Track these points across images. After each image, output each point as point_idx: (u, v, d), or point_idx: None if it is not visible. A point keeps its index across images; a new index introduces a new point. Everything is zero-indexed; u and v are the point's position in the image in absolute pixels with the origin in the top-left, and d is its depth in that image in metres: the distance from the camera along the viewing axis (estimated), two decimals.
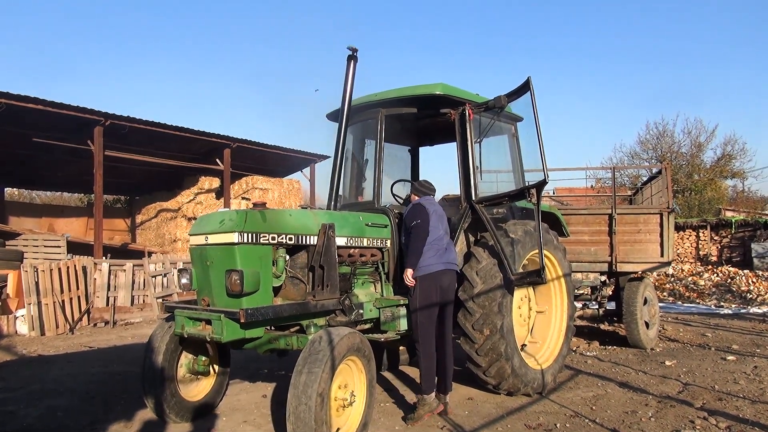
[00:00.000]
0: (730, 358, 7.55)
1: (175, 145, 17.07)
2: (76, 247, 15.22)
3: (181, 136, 16.27)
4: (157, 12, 58.93)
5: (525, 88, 5.27)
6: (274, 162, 20.43)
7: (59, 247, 14.38)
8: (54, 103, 13.10)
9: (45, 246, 14.47)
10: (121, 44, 59.49)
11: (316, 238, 4.62)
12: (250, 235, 4.17)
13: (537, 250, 5.47)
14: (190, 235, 4.51)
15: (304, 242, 4.56)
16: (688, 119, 49.37)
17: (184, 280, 4.65)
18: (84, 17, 57.15)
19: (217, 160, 17.80)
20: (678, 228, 22.85)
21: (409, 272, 4.91)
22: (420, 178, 7.15)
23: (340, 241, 4.82)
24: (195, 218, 18.36)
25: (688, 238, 23.42)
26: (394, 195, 6.09)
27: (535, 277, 5.33)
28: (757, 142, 54.73)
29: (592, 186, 24.35)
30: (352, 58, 5.24)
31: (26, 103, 12.63)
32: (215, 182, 19.17)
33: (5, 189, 21.57)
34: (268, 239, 4.30)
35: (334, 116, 6.02)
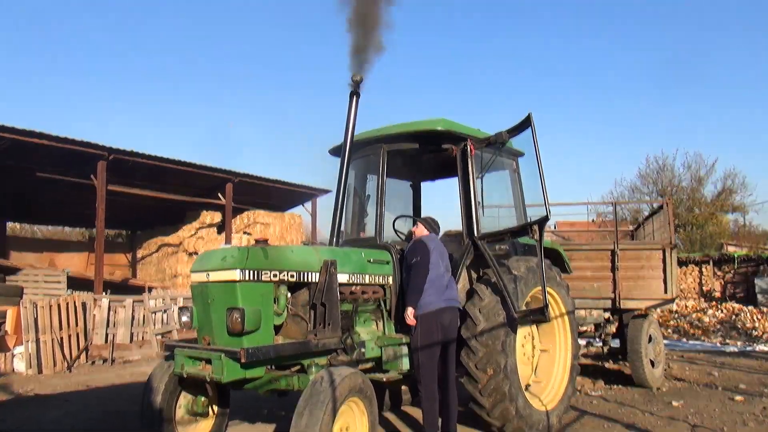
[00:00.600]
0: (738, 398, 7.40)
1: (178, 179, 17.15)
2: (76, 283, 15.13)
3: (184, 170, 16.36)
4: (162, 50, 60.02)
5: (526, 123, 5.29)
6: (276, 196, 20.48)
7: (59, 282, 14.29)
8: (59, 138, 13.19)
9: (45, 281, 14.39)
10: (125, 80, 60.41)
11: (317, 274, 4.57)
12: (251, 272, 4.13)
13: (540, 287, 5.42)
14: (192, 272, 4.47)
15: (305, 279, 4.52)
16: (688, 153, 49.64)
17: (184, 318, 4.59)
18: (89, 53, 58.15)
19: (219, 194, 17.86)
20: (681, 263, 22.73)
21: (409, 311, 4.86)
22: (422, 213, 7.15)
23: (342, 278, 4.77)
24: (196, 253, 18.31)
25: (690, 274, 23.29)
26: (396, 231, 6.06)
27: (538, 315, 5.26)
28: (757, 177, 55.01)
29: (593, 220, 24.33)
30: (355, 93, 5.27)
31: (31, 138, 12.74)
32: (217, 217, 19.18)
33: (7, 223, 21.58)
34: (269, 276, 4.26)
35: (336, 151, 6.04)
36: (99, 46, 57.31)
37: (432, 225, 5.30)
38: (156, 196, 16.84)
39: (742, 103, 50.46)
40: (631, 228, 13.86)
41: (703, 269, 23.08)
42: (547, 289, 5.39)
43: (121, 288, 16.34)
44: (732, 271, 22.57)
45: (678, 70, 53.37)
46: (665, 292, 8.38)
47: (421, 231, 5.27)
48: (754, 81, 48.24)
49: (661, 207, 9.78)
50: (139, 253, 21.42)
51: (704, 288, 22.83)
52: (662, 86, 53.58)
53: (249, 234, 18.91)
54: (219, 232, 19.08)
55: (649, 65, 54.70)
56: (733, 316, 17.48)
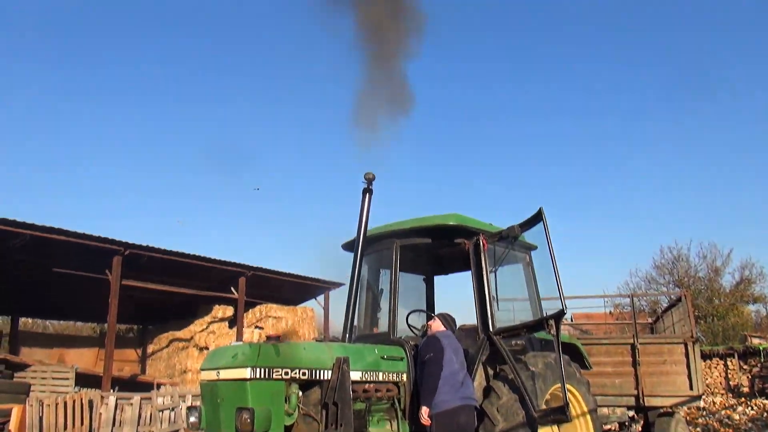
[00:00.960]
0: None
1: (191, 273, 17.22)
2: (85, 379, 14.87)
3: (198, 264, 16.46)
4: (174, 144, 62.16)
5: (537, 218, 5.34)
6: (289, 290, 20.42)
7: (67, 379, 14.07)
8: (77, 234, 13.42)
9: (53, 378, 14.16)
10: (140, 174, 62.26)
11: (330, 372, 4.48)
12: (262, 370, 4.06)
13: (559, 385, 5.25)
14: (202, 369, 4.41)
15: (317, 377, 4.43)
16: (702, 243, 49.15)
17: (192, 419, 4.46)
18: (103, 147, 60.29)
19: (232, 288, 17.84)
20: (704, 356, 22.00)
21: (424, 410, 4.70)
22: (435, 308, 7.07)
23: (355, 375, 4.66)
24: (207, 348, 18.06)
25: (716, 367, 22.48)
26: (410, 326, 5.99)
27: (559, 415, 5.06)
28: None
29: (610, 312, 23.86)
30: (368, 190, 5.39)
31: (50, 234, 12.98)
32: (229, 311, 19.06)
33: (20, 318, 21.59)
34: (281, 374, 4.18)
35: (349, 246, 6.08)
36: (113, 150, 59.60)
37: (448, 321, 5.23)
38: (169, 291, 16.86)
39: (754, 193, 50.69)
40: (650, 320, 13.58)
41: (729, 363, 22.29)
42: (567, 386, 5.22)
43: (129, 384, 16.02)
44: (759, 365, 21.77)
45: (689, 160, 54.16)
46: (691, 388, 8.07)
47: (436, 326, 5.20)
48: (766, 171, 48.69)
49: (679, 299, 9.63)
50: (150, 348, 21.17)
51: (731, 383, 21.94)
52: (673, 176, 54.21)
53: (261, 328, 18.71)
54: (231, 327, 18.89)
55: (658, 156, 55.65)
56: (765, 413, 16.68)
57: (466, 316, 6.02)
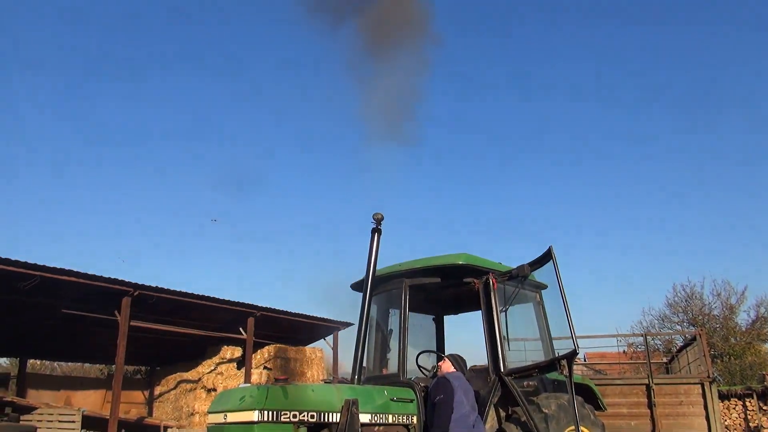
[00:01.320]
0: None
1: (200, 314, 17.18)
2: (91, 422, 14.72)
3: (207, 305, 16.43)
4: (182, 185, 62.83)
5: (547, 257, 5.32)
6: (297, 330, 20.30)
7: (74, 422, 13.93)
8: (87, 275, 13.47)
9: (60, 421, 14.04)
10: (148, 218, 62.82)
11: (338, 415, 4.41)
12: (270, 413, 4.01)
13: (573, 427, 5.14)
14: (209, 412, 4.36)
15: (326, 420, 4.36)
16: (716, 281, 48.54)
17: None
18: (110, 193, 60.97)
19: (241, 328, 17.74)
20: (722, 397, 21.47)
21: None
22: (446, 348, 6.99)
23: (364, 418, 4.59)
24: (215, 389, 17.87)
25: (734, 408, 21.86)
26: (419, 367, 5.91)
27: None
28: None
29: (624, 351, 23.46)
30: (376, 231, 5.40)
31: (60, 275, 13.04)
32: (237, 351, 18.92)
33: (28, 360, 21.51)
34: (289, 417, 4.12)
35: (358, 286, 6.07)
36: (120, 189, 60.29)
37: (458, 361, 5.17)
38: (177, 331, 16.80)
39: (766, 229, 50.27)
40: (664, 360, 13.34)
41: (747, 403, 21.70)
42: (581, 428, 5.12)
43: (136, 427, 15.83)
44: None
45: (701, 196, 53.99)
46: (709, 430, 7.88)
47: (446, 367, 5.13)
48: None
49: (694, 338, 9.48)
50: (157, 390, 20.97)
51: (751, 424, 21.31)
52: (686, 213, 53.97)
53: (269, 369, 18.52)
54: (239, 368, 18.71)
55: (670, 193, 55.51)
56: None
57: (477, 356, 5.96)
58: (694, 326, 28.56)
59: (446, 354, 5.41)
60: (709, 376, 8.07)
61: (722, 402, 21.29)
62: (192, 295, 15.83)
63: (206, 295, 16.13)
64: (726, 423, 21.24)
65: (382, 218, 5.30)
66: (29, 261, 12.47)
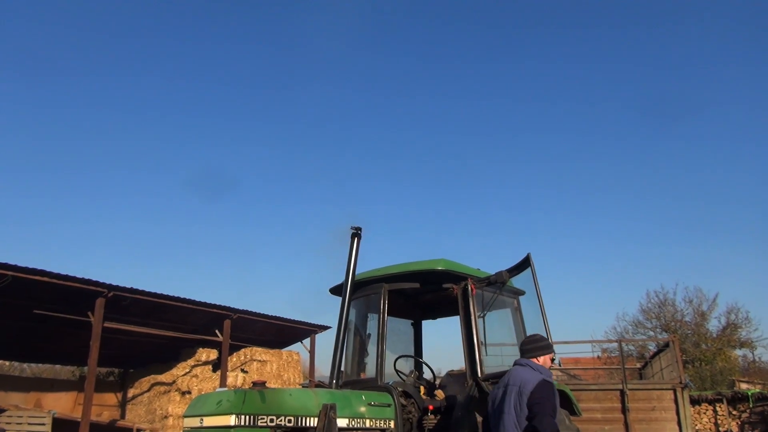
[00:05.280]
0: None
1: (176, 316, 16.98)
2: (62, 424, 14.45)
3: (182, 306, 16.25)
4: (159, 188, 62.17)
5: (525, 263, 5.37)
6: (274, 333, 20.17)
7: (44, 425, 13.66)
8: (60, 276, 13.24)
9: (29, 423, 13.76)
10: (122, 217, 61.97)
11: (316, 419, 4.40)
12: (247, 417, 3.99)
13: None
14: (185, 416, 4.32)
15: (303, 424, 4.35)
16: (688, 288, 49.32)
17: None
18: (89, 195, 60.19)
19: (217, 331, 17.58)
20: (693, 401, 21.84)
21: None
22: (423, 352, 7.01)
23: (342, 422, 4.59)
24: (189, 392, 17.68)
25: (704, 413, 22.25)
26: (397, 371, 5.93)
27: None
28: (760, 311, 54.49)
29: (598, 356, 23.72)
30: (356, 235, 5.42)
31: (32, 275, 12.79)
32: (213, 354, 18.73)
33: None
34: (266, 422, 4.10)
35: (337, 291, 6.07)
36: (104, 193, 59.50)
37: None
38: (152, 333, 16.57)
39: (739, 238, 51.36)
40: (638, 365, 13.52)
41: (717, 408, 22.09)
42: None
43: (108, 430, 15.58)
44: (748, 410, 21.60)
45: (673, 203, 54.93)
46: None
47: (546, 361, 4.51)
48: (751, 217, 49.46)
49: (667, 344, 9.63)
50: (130, 393, 20.65)
51: (721, 429, 21.70)
52: (659, 220, 54.84)
53: (246, 372, 18.37)
54: (214, 370, 18.53)
55: (643, 199, 56.41)
56: None
57: (454, 361, 5.99)
58: (667, 332, 29.02)
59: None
60: (681, 382, 8.22)
61: (693, 407, 21.66)
62: (167, 297, 15.65)
63: (182, 296, 15.98)
64: (697, 428, 21.60)
65: (360, 229, 5.35)
66: (1, 260, 12.22)
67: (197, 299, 16.44)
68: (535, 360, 4.44)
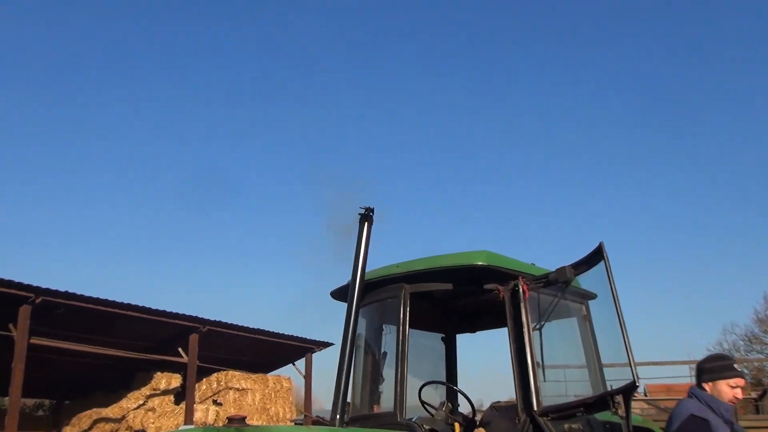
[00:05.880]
0: None
1: (125, 329, 17.20)
2: None
3: (136, 317, 16.43)
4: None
5: (596, 257, 5.33)
6: (258, 352, 20.37)
7: None
8: None
9: None
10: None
11: None
12: None
13: None
14: None
15: None
16: None
17: None
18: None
19: (180, 349, 17.78)
20: None
21: None
22: (458, 378, 7.04)
23: None
24: (143, 431, 17.94)
25: None
26: (423, 403, 5.97)
27: None
28: None
29: None
30: (367, 218, 5.42)
31: None
32: (175, 380, 18.98)
33: None
34: None
35: (341, 294, 6.09)
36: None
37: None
38: (94, 352, 16.81)
39: None
40: (753, 394, 13.47)
41: None
42: None
43: None
44: None
45: None
46: None
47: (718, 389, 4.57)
48: None
49: None
50: (66, 431, 21.03)
51: None
52: None
53: (219, 404, 18.61)
54: (177, 402, 18.78)
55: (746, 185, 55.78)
56: None
57: (501, 389, 6.02)
58: None
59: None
60: None
61: None
62: (114, 304, 15.82)
63: (134, 304, 16.13)
64: None
65: (373, 209, 5.36)
66: None
67: (154, 307, 16.62)
68: (707, 385, 4.46)
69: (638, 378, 5.07)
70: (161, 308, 16.69)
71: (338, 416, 5.26)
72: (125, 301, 16.01)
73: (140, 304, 16.33)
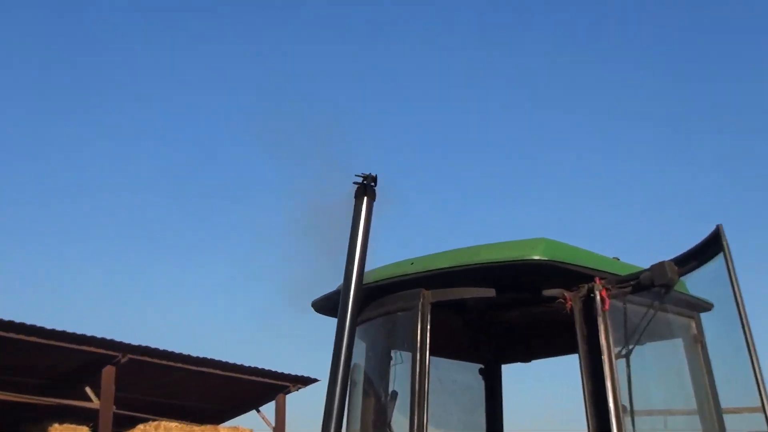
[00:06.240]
0: None
1: (10, 360, 17.27)
2: None
3: (22, 341, 16.48)
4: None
5: (713, 247, 5.27)
6: (205, 392, 20.50)
7: None
8: None
9: None
10: None
11: None
12: None
13: None
14: None
15: None
16: None
17: None
18: None
19: (88, 389, 17.87)
20: None
21: None
22: (504, 425, 7.06)
23: None
24: None
25: None
26: None
27: None
28: None
29: None
30: (366, 190, 5.37)
31: None
32: None
33: None
34: None
35: (327, 306, 6.10)
36: None
37: None
38: None
39: None
40: None
41: None
42: None
43: None
44: None
45: None
46: None
47: None
48: None
49: None
50: None
51: None
52: None
53: None
54: None
55: None
56: None
57: None
58: None
59: None
60: None
61: None
62: None
63: (20, 322, 16.17)
64: None
65: (376, 178, 5.32)
66: None
67: (50, 327, 16.63)
68: None
69: None
70: (59, 328, 16.72)
71: None
72: (8, 319, 16.08)
73: (28, 323, 16.38)
